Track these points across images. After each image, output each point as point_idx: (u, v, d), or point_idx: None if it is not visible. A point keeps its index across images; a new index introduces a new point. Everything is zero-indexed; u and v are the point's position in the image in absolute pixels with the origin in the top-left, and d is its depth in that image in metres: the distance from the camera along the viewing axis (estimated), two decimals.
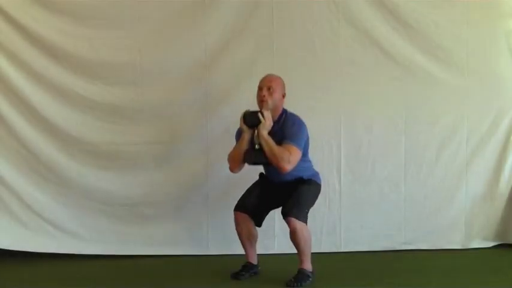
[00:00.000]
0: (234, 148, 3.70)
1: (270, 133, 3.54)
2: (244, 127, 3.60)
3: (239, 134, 3.68)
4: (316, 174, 3.77)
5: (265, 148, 3.51)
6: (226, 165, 4.11)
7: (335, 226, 4.34)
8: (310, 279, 3.56)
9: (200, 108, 4.25)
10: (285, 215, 3.51)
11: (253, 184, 3.80)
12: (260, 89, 3.65)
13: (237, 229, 3.71)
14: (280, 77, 3.71)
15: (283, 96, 3.68)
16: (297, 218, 3.47)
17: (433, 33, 4.29)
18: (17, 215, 4.17)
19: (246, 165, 3.70)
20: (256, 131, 3.56)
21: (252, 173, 3.81)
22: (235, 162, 3.67)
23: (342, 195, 4.33)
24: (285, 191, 3.60)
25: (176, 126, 4.27)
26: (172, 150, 4.28)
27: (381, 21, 4.26)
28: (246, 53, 4.23)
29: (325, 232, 4.32)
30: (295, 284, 3.51)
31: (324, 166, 4.27)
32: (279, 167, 3.50)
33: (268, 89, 3.62)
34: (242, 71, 4.23)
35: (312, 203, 3.66)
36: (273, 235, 4.24)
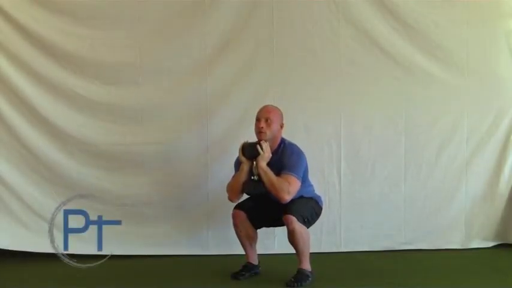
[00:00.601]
0: (232, 178, 3.71)
1: (268, 164, 3.55)
2: (243, 158, 3.61)
3: (238, 164, 3.68)
4: (318, 197, 3.76)
5: (264, 179, 3.52)
6: (226, 165, 4.13)
7: (335, 226, 4.34)
8: (310, 279, 3.57)
9: (200, 108, 4.25)
10: (285, 213, 3.50)
11: None
12: (258, 120, 3.65)
13: (235, 230, 3.71)
14: (278, 108, 3.71)
15: (281, 126, 3.69)
16: (296, 218, 3.48)
17: (433, 33, 4.30)
18: (17, 215, 4.17)
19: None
20: (254, 162, 3.57)
21: None
22: (234, 192, 3.68)
23: (342, 195, 4.33)
24: (285, 204, 3.56)
25: (176, 126, 4.27)
26: (172, 150, 4.28)
27: (381, 21, 4.26)
28: (246, 53, 4.23)
29: (325, 232, 4.32)
30: (295, 284, 3.51)
31: (324, 166, 4.28)
32: (278, 197, 3.50)
33: (266, 120, 3.62)
34: (242, 71, 4.23)
35: (312, 216, 3.63)
36: (273, 235, 4.24)
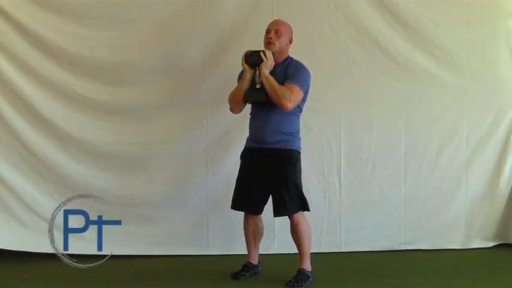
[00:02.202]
0: (235, 88, 3.69)
1: (272, 73, 3.54)
2: (246, 66, 3.59)
3: (241, 75, 3.67)
4: (298, 140, 3.67)
5: (267, 86, 3.51)
6: (226, 165, 4.14)
7: (335, 226, 4.34)
8: (310, 279, 3.57)
9: (200, 108, 4.25)
10: (287, 213, 3.55)
11: (239, 174, 3.73)
12: (268, 31, 3.65)
13: (244, 225, 3.72)
14: (288, 23, 3.71)
15: (290, 41, 3.68)
16: (296, 212, 3.52)
17: (433, 33, 4.29)
18: (17, 215, 4.17)
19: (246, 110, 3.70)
20: (257, 70, 3.56)
21: None
22: (236, 101, 3.67)
23: (342, 195, 4.33)
24: (269, 174, 3.55)
25: (176, 126, 4.27)
26: (172, 150, 4.28)
27: (381, 21, 4.26)
28: None
29: (325, 232, 4.32)
30: (296, 284, 3.51)
31: (324, 166, 4.27)
32: (280, 104, 3.49)
33: (276, 32, 3.62)
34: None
35: (300, 180, 3.62)
36: (273, 235, 4.24)
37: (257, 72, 3.57)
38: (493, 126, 4.39)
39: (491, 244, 4.43)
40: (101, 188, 4.18)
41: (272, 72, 3.56)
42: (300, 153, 3.67)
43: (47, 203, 4.13)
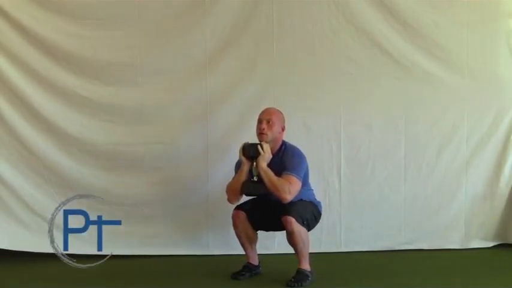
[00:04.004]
0: (232, 179, 3.70)
1: (269, 165, 3.55)
2: (243, 159, 3.61)
3: (238, 166, 3.69)
4: (318, 202, 3.76)
5: (265, 179, 3.52)
6: (226, 165, 4.13)
7: (335, 226, 4.34)
8: (310, 279, 3.57)
9: (200, 108, 4.25)
10: (283, 214, 3.49)
11: None
12: (260, 121, 3.66)
13: (235, 231, 3.71)
14: (279, 111, 3.72)
15: (283, 129, 3.69)
16: (295, 219, 3.47)
17: (433, 33, 4.30)
18: (17, 215, 4.17)
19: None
20: (255, 163, 3.57)
21: None
22: (234, 193, 3.68)
23: (342, 195, 4.33)
24: (282, 205, 3.56)
25: (176, 126, 4.27)
26: (172, 150, 4.28)
27: (381, 21, 4.26)
28: (246, 53, 4.23)
29: (325, 232, 4.32)
30: (295, 284, 3.51)
31: (324, 166, 4.28)
32: (279, 197, 3.50)
33: (268, 122, 3.63)
34: (242, 71, 4.23)
35: (311, 220, 3.61)
36: (273, 235, 4.22)
37: (254, 165, 3.57)
38: (493, 126, 4.39)
39: (491, 244, 4.43)
40: (101, 188, 4.18)
41: (268, 164, 3.55)
42: (319, 212, 3.70)
43: (47, 203, 4.13)
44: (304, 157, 3.65)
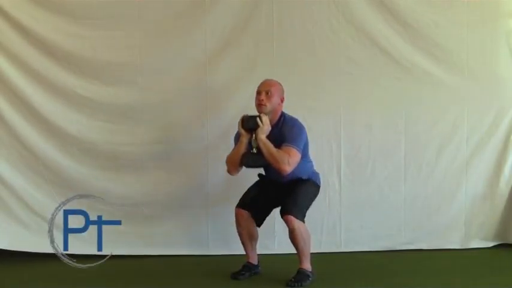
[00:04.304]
0: (232, 151, 3.71)
1: (268, 137, 3.56)
2: (242, 131, 3.61)
3: (237, 138, 3.69)
4: (317, 175, 3.78)
5: (264, 151, 3.53)
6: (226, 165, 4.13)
7: (335, 226, 4.34)
8: (310, 279, 3.57)
9: (200, 108, 4.25)
10: (284, 214, 3.53)
11: (253, 184, 3.81)
12: (258, 93, 3.67)
13: (237, 229, 3.72)
14: (279, 82, 3.72)
15: (282, 100, 3.70)
16: (296, 217, 3.49)
17: (433, 33, 4.29)
18: (17, 215, 4.17)
19: (245, 168, 3.71)
20: (254, 135, 3.58)
21: (251, 173, 3.81)
22: (233, 165, 3.69)
23: (342, 195, 4.33)
24: (284, 190, 3.61)
25: (176, 126, 4.27)
26: (172, 150, 4.28)
27: (381, 21, 4.26)
28: (246, 53, 4.23)
29: (325, 232, 4.32)
30: (295, 284, 3.51)
31: (324, 166, 4.27)
32: (278, 169, 3.51)
33: (267, 93, 3.64)
34: (242, 71, 4.23)
35: (310, 204, 3.67)
36: (273, 235, 4.24)
37: (253, 137, 3.58)
38: (493, 126, 4.39)
39: (491, 244, 4.43)
40: (101, 188, 4.18)
41: (268, 135, 3.57)
42: (318, 186, 3.73)
43: (47, 203, 4.13)
44: (304, 128, 3.65)
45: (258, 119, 3.57)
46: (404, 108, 4.33)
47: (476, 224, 4.42)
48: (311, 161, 3.78)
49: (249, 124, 3.59)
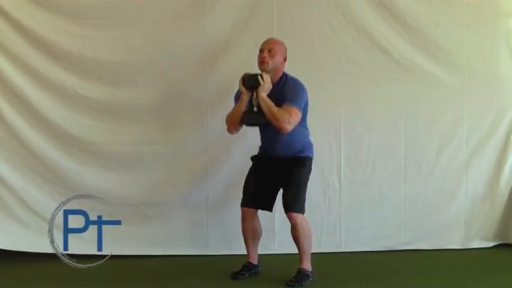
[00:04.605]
0: (232, 110, 3.70)
1: (269, 95, 3.55)
2: (243, 89, 3.60)
3: (238, 97, 3.69)
4: (311, 146, 3.74)
5: (265, 109, 3.52)
6: (226, 165, 4.14)
7: (335, 226, 4.34)
8: (310, 279, 3.57)
9: (200, 108, 4.25)
10: (286, 211, 3.56)
11: (248, 173, 3.78)
12: (261, 50, 3.66)
13: (242, 225, 3.72)
14: (282, 42, 3.71)
15: (285, 60, 3.69)
16: (298, 212, 3.53)
17: (433, 33, 4.29)
18: (17, 215, 4.17)
19: (244, 129, 3.73)
20: (255, 93, 3.57)
21: None
22: (234, 123, 3.68)
23: (342, 195, 4.33)
24: (281, 172, 3.60)
25: (176, 126, 4.27)
26: (172, 150, 4.28)
27: (381, 21, 4.26)
28: (246, 53, 4.21)
29: (325, 232, 4.32)
30: (295, 284, 3.52)
31: (324, 166, 4.27)
32: (279, 127, 3.50)
33: (269, 51, 3.63)
34: (242, 71, 4.21)
35: (306, 187, 3.66)
36: (273, 235, 4.24)
37: (254, 95, 3.58)
38: (493, 126, 4.39)
39: (491, 244, 4.43)
40: (101, 188, 4.18)
41: (268, 94, 3.56)
42: (312, 158, 3.71)
43: (47, 203, 4.13)
44: (306, 89, 3.64)
45: (259, 76, 3.55)
46: (404, 108, 4.33)
47: (476, 224, 4.42)
48: (308, 129, 3.74)
49: (249, 82, 3.58)
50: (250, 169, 3.78)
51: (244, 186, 3.76)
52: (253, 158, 3.79)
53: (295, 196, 3.57)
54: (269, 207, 3.75)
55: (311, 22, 4.24)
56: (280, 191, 3.69)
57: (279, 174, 3.63)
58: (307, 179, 3.67)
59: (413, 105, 4.33)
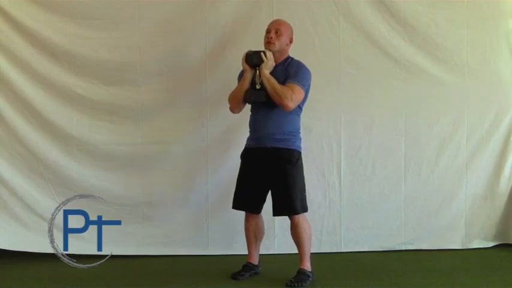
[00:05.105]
0: (235, 88, 3.70)
1: (273, 73, 3.55)
2: (246, 66, 3.61)
3: (241, 75, 3.69)
4: (299, 140, 3.68)
5: (267, 86, 3.52)
6: (226, 165, 4.14)
7: (335, 226, 4.34)
8: (310, 279, 3.57)
9: (200, 108, 4.25)
10: (286, 214, 3.56)
11: (238, 174, 3.75)
12: (268, 31, 3.66)
13: (245, 225, 3.73)
14: (288, 23, 3.72)
15: (291, 41, 3.70)
16: (298, 212, 3.54)
17: (433, 33, 4.29)
18: (17, 215, 4.17)
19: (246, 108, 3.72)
20: (258, 71, 3.57)
21: None
22: (236, 101, 3.68)
23: (342, 195, 4.33)
24: (271, 173, 3.57)
25: (176, 126, 4.27)
26: (172, 150, 4.28)
27: (381, 21, 4.26)
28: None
29: (325, 232, 4.32)
30: (295, 284, 3.51)
31: (324, 166, 4.27)
32: (281, 104, 3.50)
33: (276, 31, 3.63)
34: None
35: (304, 182, 3.65)
36: (273, 235, 4.24)
37: (257, 73, 3.58)
38: (493, 126, 4.39)
39: (491, 244, 4.43)
40: (101, 188, 4.19)
41: (272, 72, 3.57)
42: (300, 153, 3.68)
43: (47, 203, 4.14)
44: (310, 72, 3.64)
45: (262, 54, 3.56)
46: (404, 108, 4.33)
47: (476, 224, 4.42)
48: (299, 118, 3.69)
49: (252, 60, 3.58)
50: (239, 169, 3.76)
51: (235, 189, 3.75)
52: (242, 156, 3.76)
53: (292, 198, 3.55)
54: (257, 209, 3.71)
55: (311, 22, 4.25)
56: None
57: (268, 176, 3.59)
58: (302, 177, 3.65)
59: (413, 105, 4.33)
